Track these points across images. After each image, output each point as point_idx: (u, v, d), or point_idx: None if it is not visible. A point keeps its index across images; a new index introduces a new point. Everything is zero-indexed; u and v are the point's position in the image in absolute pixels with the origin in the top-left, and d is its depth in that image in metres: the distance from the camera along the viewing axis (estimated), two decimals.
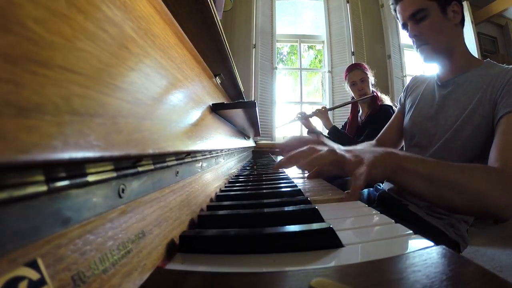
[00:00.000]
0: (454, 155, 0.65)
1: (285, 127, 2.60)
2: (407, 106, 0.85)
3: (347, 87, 1.69)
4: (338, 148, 0.51)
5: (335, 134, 1.54)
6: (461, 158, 0.63)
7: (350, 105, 1.71)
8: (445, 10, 0.67)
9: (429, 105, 0.75)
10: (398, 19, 0.74)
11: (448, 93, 0.71)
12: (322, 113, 1.64)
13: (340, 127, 1.72)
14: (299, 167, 0.70)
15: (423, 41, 0.70)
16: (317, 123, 1.73)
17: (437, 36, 0.68)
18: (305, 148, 0.51)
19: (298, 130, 2.68)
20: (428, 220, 0.65)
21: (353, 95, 1.68)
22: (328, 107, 1.78)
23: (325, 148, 0.50)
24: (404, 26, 0.73)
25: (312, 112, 1.69)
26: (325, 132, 1.66)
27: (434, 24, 0.67)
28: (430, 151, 0.71)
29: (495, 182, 0.47)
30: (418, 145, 0.77)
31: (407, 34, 0.72)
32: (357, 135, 1.59)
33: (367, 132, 1.48)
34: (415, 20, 0.69)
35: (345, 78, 1.68)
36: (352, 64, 1.70)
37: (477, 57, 0.68)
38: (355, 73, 1.61)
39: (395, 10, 0.74)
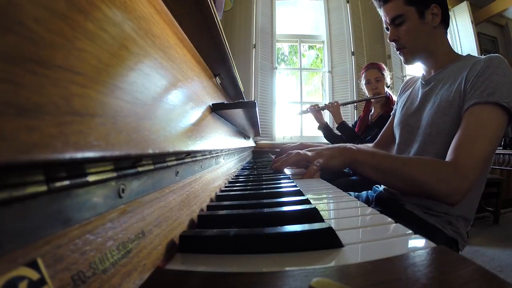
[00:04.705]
0: (439, 147, 0.65)
1: (289, 120, 2.65)
2: (398, 108, 0.88)
3: (362, 85, 1.72)
4: (305, 150, 0.71)
5: (343, 129, 1.58)
6: (446, 149, 0.62)
7: (359, 103, 1.72)
8: (423, 14, 0.69)
9: (413, 103, 0.78)
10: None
11: (429, 89, 0.73)
12: (334, 107, 1.68)
13: (351, 124, 1.74)
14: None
15: (401, 45, 0.73)
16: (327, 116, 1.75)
17: (413, 40, 0.71)
18: (283, 155, 0.73)
19: (298, 130, 2.68)
20: (425, 218, 0.65)
21: (367, 94, 1.70)
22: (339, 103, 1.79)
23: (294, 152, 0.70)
24: (387, 29, 0.76)
25: (325, 105, 1.73)
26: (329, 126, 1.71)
27: (411, 29, 0.70)
28: (415, 146, 0.72)
29: (436, 174, 0.54)
30: (404, 141, 0.78)
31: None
32: (365, 133, 1.60)
33: (375, 132, 1.48)
34: (394, 25, 0.72)
35: (362, 75, 1.70)
36: (370, 63, 1.73)
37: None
38: (371, 71, 1.63)
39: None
